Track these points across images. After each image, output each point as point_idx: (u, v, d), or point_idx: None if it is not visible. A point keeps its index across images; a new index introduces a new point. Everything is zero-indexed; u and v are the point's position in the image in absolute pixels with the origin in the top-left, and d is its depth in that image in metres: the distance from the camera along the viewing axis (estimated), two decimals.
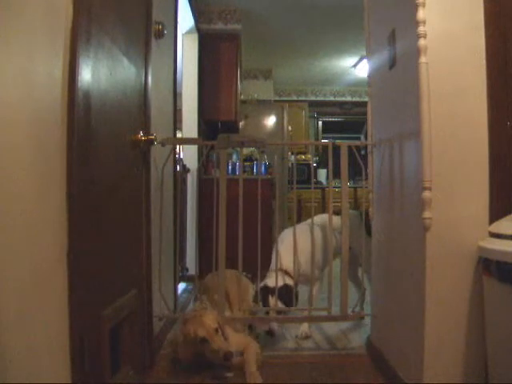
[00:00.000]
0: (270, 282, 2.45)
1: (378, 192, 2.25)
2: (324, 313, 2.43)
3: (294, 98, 7.56)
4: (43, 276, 1.13)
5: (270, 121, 5.81)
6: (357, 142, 2.51)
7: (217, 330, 1.99)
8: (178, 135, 3.77)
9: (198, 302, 2.45)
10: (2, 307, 0.96)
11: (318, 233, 2.64)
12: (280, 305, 2.40)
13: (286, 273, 2.50)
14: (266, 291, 2.44)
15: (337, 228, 2.56)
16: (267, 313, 2.42)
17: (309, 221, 2.60)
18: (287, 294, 2.41)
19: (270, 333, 2.41)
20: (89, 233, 1.36)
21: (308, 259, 2.48)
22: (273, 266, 2.53)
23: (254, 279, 2.65)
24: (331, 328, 2.64)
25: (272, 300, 2.41)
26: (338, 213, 2.60)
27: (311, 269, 2.44)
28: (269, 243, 3.39)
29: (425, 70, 1.58)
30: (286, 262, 2.51)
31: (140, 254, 1.98)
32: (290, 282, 2.48)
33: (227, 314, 2.37)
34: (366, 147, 2.45)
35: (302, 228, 2.62)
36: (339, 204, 2.45)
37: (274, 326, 2.42)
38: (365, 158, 2.45)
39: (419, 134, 1.60)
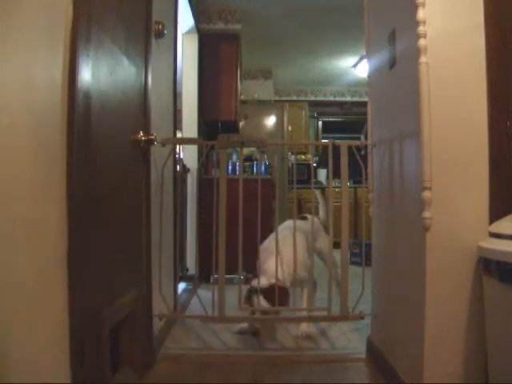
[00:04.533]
0: (255, 282, 2.44)
1: (378, 192, 2.24)
2: (324, 313, 2.42)
3: (294, 98, 7.55)
4: (43, 276, 1.13)
5: (270, 121, 5.80)
6: (357, 142, 2.50)
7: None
8: (178, 135, 3.77)
9: None
10: (2, 307, 0.96)
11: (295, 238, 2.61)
12: (266, 304, 2.35)
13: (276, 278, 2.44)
14: (252, 292, 2.40)
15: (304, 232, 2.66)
16: (253, 313, 2.41)
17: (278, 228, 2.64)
18: (273, 294, 2.32)
19: (256, 332, 2.43)
20: (89, 233, 1.36)
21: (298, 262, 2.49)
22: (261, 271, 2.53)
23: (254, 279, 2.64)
24: (331, 328, 2.64)
25: (257, 299, 2.35)
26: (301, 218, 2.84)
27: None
28: None
29: (425, 70, 1.58)
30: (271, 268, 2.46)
31: (140, 254, 1.97)
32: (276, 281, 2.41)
33: None
34: (366, 147, 2.45)
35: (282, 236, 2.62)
36: (339, 204, 2.45)
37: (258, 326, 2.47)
38: (365, 158, 2.45)
39: (419, 134, 1.60)
